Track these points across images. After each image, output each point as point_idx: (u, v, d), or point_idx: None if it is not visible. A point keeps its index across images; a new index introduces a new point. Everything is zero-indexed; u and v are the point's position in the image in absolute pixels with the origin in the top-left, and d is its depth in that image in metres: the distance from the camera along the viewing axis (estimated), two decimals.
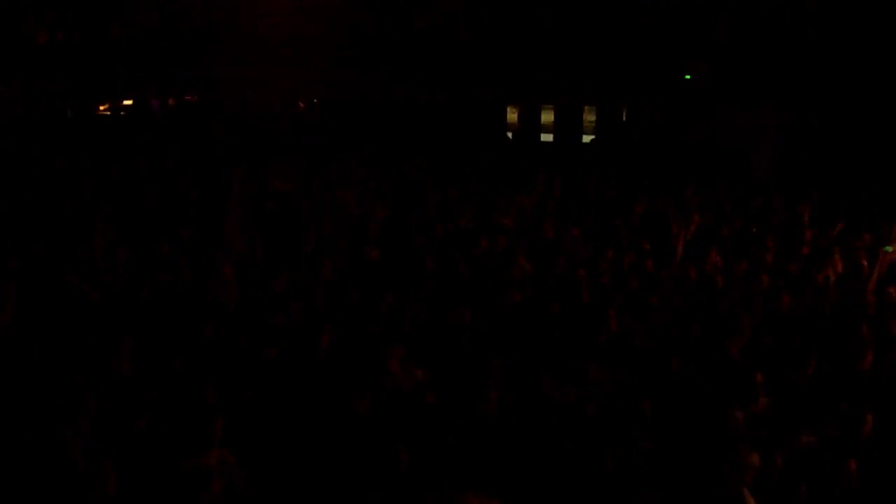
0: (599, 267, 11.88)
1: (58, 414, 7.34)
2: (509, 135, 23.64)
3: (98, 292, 10.21)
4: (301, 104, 23.61)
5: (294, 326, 9.68)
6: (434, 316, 10.28)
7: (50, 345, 8.72)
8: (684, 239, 12.33)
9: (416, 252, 12.46)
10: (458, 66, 21.38)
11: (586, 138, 23.26)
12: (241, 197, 12.34)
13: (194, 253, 11.23)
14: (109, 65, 21.20)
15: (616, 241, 12.96)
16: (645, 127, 22.05)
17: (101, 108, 22.32)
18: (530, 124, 23.52)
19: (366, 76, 21.68)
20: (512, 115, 23.90)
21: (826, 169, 18.58)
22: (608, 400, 8.43)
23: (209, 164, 16.05)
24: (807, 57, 19.67)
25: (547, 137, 23.47)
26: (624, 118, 22.60)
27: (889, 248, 11.81)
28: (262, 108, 21.93)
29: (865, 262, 12.66)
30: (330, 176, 16.03)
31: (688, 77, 20.63)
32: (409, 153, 18.21)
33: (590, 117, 23.16)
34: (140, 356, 8.67)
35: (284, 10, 21.77)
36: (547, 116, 23.51)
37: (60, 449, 7.06)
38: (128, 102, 22.45)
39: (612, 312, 10.09)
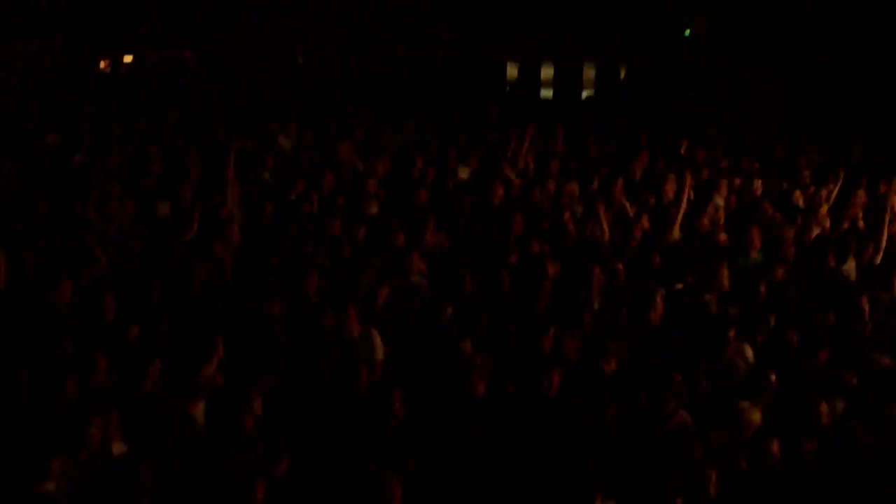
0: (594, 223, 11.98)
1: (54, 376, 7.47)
2: (507, 88, 23.61)
3: (103, 250, 10.31)
4: (300, 59, 23.56)
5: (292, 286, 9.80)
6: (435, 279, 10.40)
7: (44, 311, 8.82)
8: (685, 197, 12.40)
9: (416, 209, 12.57)
10: (457, 21, 21.35)
11: (585, 94, 23.24)
12: (241, 155, 12.40)
13: (195, 212, 11.30)
14: (109, 21, 21.16)
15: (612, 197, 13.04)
16: (644, 83, 22.01)
17: (102, 64, 22.29)
18: (530, 80, 23.47)
19: (364, 33, 21.66)
20: (512, 71, 23.83)
21: (827, 126, 18.58)
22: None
23: (208, 121, 16.06)
24: (809, 12, 19.60)
25: (547, 93, 23.43)
26: (623, 74, 22.55)
27: None
28: (262, 64, 21.93)
29: (862, 221, 12.80)
30: (330, 132, 16.08)
31: (688, 32, 20.60)
32: (409, 109, 18.20)
33: (589, 73, 23.10)
34: (140, 316, 8.81)
35: None
36: (547, 72, 23.45)
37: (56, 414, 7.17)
38: (128, 59, 22.42)
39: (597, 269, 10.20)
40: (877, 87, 18.73)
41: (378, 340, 8.86)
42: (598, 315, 9.64)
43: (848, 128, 17.60)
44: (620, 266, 10.48)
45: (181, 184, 12.24)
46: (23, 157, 13.33)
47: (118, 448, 6.91)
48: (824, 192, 13.70)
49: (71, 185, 12.38)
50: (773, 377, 8.52)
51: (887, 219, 11.78)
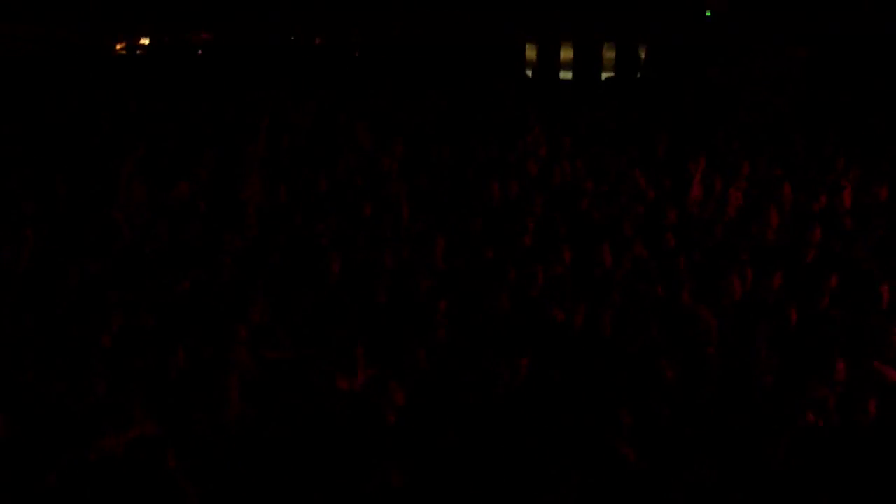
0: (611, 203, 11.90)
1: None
2: (529, 73, 23.49)
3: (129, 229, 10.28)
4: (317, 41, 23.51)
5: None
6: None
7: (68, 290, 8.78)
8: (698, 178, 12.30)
9: (432, 190, 12.50)
10: (477, 3, 21.26)
11: (605, 76, 23.11)
12: (261, 135, 12.34)
13: (212, 192, 11.26)
14: (125, 3, 21.17)
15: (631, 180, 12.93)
16: (664, 64, 21.86)
17: (118, 47, 22.28)
18: (549, 62, 23.36)
19: (387, 16, 21.59)
20: (531, 53, 23.72)
21: (848, 108, 18.41)
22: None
23: (226, 101, 16.03)
24: None
25: (566, 75, 23.32)
26: (643, 56, 22.41)
27: None
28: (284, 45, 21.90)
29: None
30: (348, 113, 16.01)
31: (708, 13, 20.44)
32: (427, 92, 18.13)
33: (609, 55, 22.97)
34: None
35: None
36: (566, 54, 23.34)
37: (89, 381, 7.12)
38: (144, 41, 22.41)
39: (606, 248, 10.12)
40: None
41: None
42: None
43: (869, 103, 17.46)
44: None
45: (198, 164, 12.20)
46: (40, 139, 13.32)
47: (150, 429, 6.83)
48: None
49: (89, 165, 12.35)
50: None
51: None
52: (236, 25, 21.65)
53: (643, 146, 14.61)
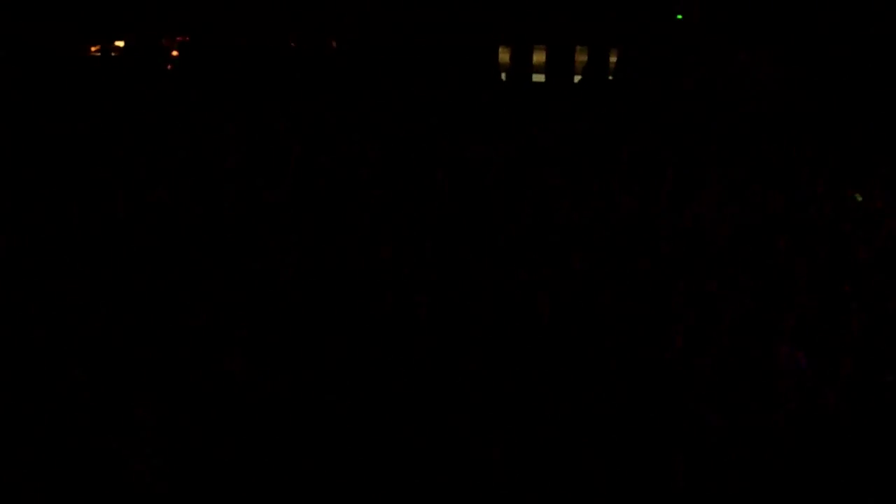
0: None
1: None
2: (503, 76, 23.60)
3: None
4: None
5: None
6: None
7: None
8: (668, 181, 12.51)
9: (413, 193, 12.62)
10: (450, 6, 21.36)
11: (577, 79, 23.24)
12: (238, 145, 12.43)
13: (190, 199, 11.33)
14: (100, 4, 21.10)
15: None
16: (637, 68, 22.04)
17: (92, 49, 22.21)
18: (522, 65, 23.45)
19: (357, 20, 21.67)
20: (504, 56, 23.80)
21: (825, 114, 18.64)
22: None
23: (207, 107, 16.09)
24: None
25: (539, 78, 23.42)
26: (615, 59, 22.57)
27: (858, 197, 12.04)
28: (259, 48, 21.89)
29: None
30: (328, 119, 16.10)
31: (680, 17, 20.61)
32: (403, 94, 18.24)
33: (581, 58, 23.09)
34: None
35: None
36: (539, 57, 23.43)
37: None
38: (119, 44, 22.35)
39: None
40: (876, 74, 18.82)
41: None
42: None
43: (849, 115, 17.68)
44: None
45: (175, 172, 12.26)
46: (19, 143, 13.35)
47: None
48: None
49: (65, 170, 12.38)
50: None
51: None
52: (213, 28, 21.66)
53: (614, 152, 14.79)
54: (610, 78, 22.54)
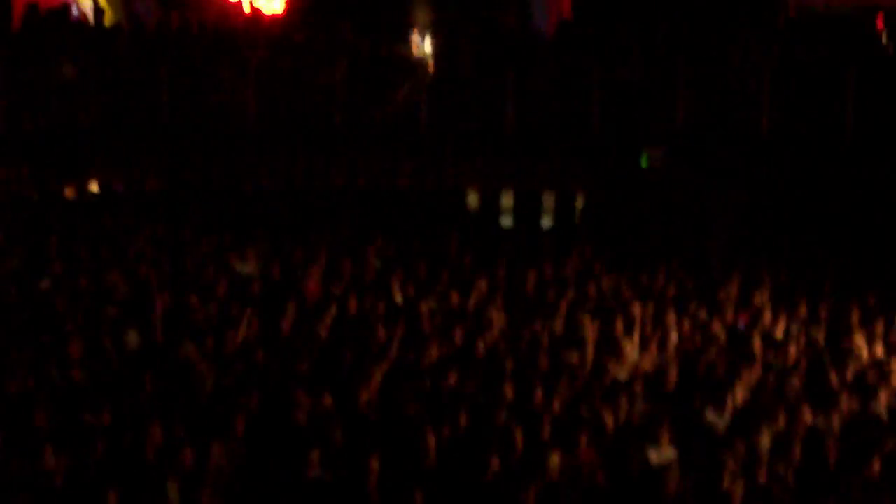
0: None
1: None
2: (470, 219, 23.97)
3: None
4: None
5: None
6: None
7: None
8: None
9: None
10: (419, 152, 21.85)
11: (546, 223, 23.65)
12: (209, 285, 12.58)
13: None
14: (74, 149, 21.40)
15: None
16: (602, 211, 22.56)
17: (67, 192, 22.44)
18: (490, 208, 23.87)
19: (329, 162, 22.07)
20: (472, 199, 24.22)
21: (785, 248, 19.15)
22: None
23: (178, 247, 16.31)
24: (764, 137, 20.24)
25: (507, 222, 23.80)
26: (581, 203, 23.10)
27: None
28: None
29: None
30: (292, 258, 16.31)
31: (644, 164, 21.13)
32: (370, 234, 18.48)
33: (549, 202, 23.54)
34: None
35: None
36: (507, 201, 23.85)
37: None
38: (94, 188, 22.62)
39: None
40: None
41: None
42: None
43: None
44: None
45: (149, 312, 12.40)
46: None
47: None
48: None
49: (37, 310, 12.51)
50: None
51: None
52: (187, 173, 22.00)
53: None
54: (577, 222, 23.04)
